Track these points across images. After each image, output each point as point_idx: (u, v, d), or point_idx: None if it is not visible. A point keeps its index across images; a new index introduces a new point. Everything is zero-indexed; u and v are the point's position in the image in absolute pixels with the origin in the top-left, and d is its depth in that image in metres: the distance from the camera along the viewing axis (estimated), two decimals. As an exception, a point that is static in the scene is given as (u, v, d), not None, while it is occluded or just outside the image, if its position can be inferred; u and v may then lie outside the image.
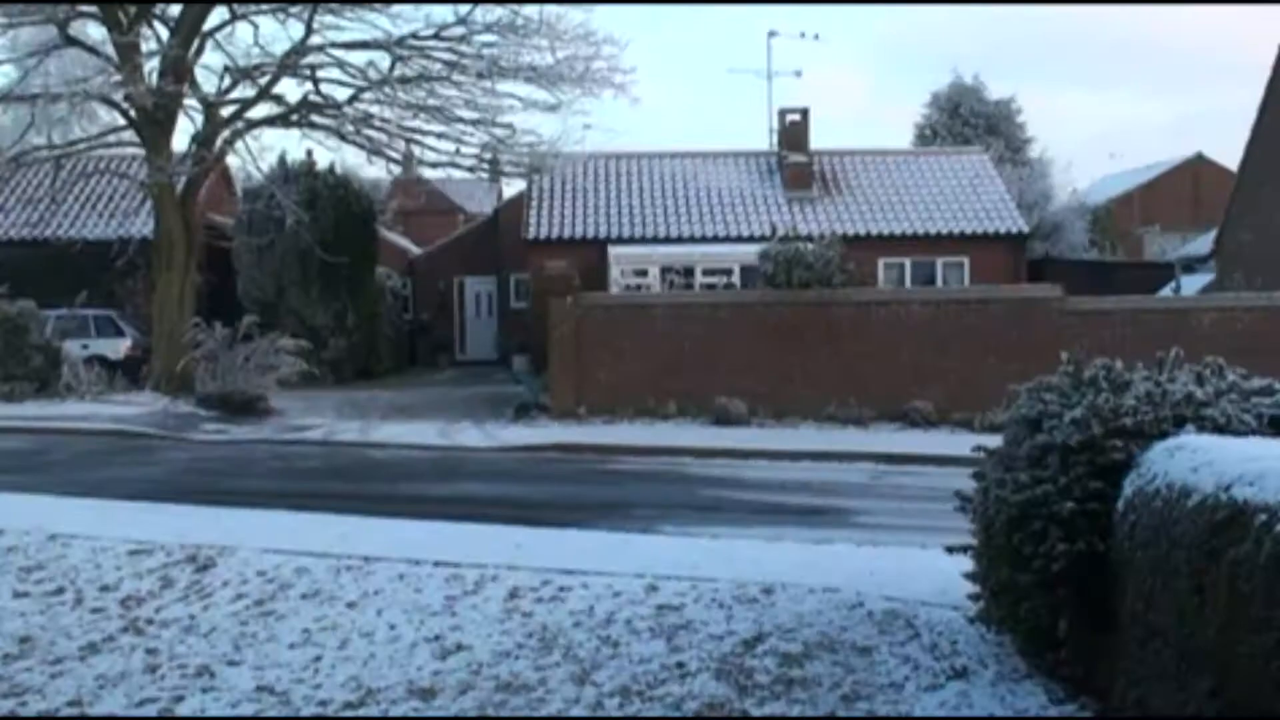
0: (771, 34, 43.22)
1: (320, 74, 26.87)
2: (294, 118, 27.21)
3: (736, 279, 28.53)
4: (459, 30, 26.13)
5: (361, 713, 6.00)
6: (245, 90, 27.03)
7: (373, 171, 37.56)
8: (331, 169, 32.08)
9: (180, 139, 27.99)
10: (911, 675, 6.30)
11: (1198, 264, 36.62)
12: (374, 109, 27.24)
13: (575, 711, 5.92)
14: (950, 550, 7.12)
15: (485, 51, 26.19)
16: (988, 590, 6.63)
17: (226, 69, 26.60)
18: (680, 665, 6.54)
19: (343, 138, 27.33)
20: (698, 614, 7.52)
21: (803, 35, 54.75)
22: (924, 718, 5.75)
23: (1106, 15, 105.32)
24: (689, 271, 29.14)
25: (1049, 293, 22.43)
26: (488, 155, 28.38)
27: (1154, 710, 4.90)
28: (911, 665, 6.45)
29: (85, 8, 25.98)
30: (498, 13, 25.94)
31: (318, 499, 13.37)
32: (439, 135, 27.47)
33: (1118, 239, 45.34)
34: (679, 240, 30.82)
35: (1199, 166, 49.75)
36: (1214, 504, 4.40)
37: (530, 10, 25.81)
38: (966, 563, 6.97)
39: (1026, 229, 32.72)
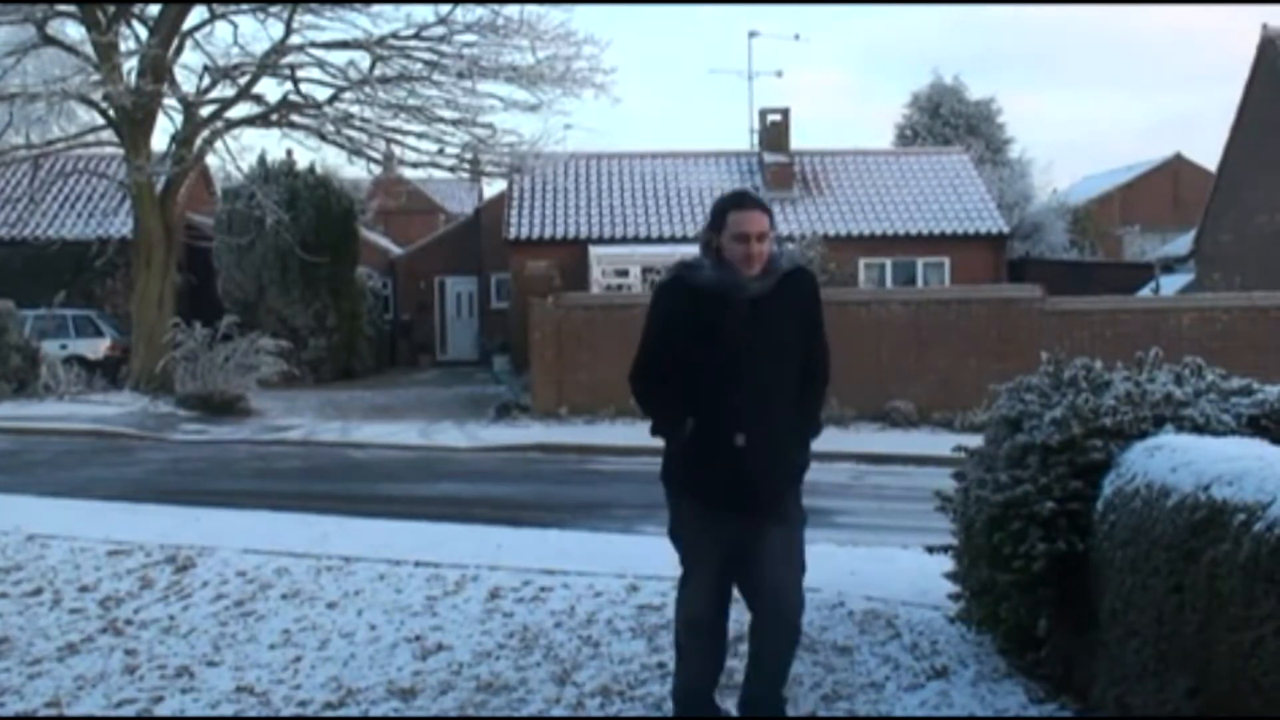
0: (752, 34, 43.30)
1: (300, 73, 26.86)
2: (274, 117, 27.18)
3: (717, 279, 28.51)
4: (439, 30, 26.12)
5: (342, 713, 5.98)
6: (225, 90, 27.01)
7: (353, 171, 37.61)
8: (312, 169, 32.05)
9: (159, 138, 28.10)
10: (892, 675, 6.31)
11: (1177, 264, 36.78)
12: (354, 109, 27.27)
13: (556, 711, 5.92)
14: (931, 550, 7.14)
15: (466, 51, 26.19)
16: (968, 590, 6.65)
17: (206, 68, 26.56)
18: (661, 665, 6.54)
19: (323, 137, 27.30)
20: (679, 614, 7.52)
21: (799, 37, 54.76)
22: (904, 717, 5.76)
23: (1087, 16, 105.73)
24: (670, 271, 29.11)
25: (1029, 293, 22.49)
26: (468, 155, 28.39)
27: (1133, 709, 4.92)
28: (892, 665, 6.46)
29: (63, 7, 25.91)
30: (478, 12, 25.97)
31: (298, 499, 13.34)
32: (419, 135, 27.51)
33: (1097, 239, 45.50)
34: (660, 240, 30.83)
35: (1178, 167, 49.95)
36: (1193, 504, 4.42)
37: (511, 10, 25.85)
38: (947, 563, 6.98)
39: (1007, 229, 32.84)
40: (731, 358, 5.14)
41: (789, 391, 5.26)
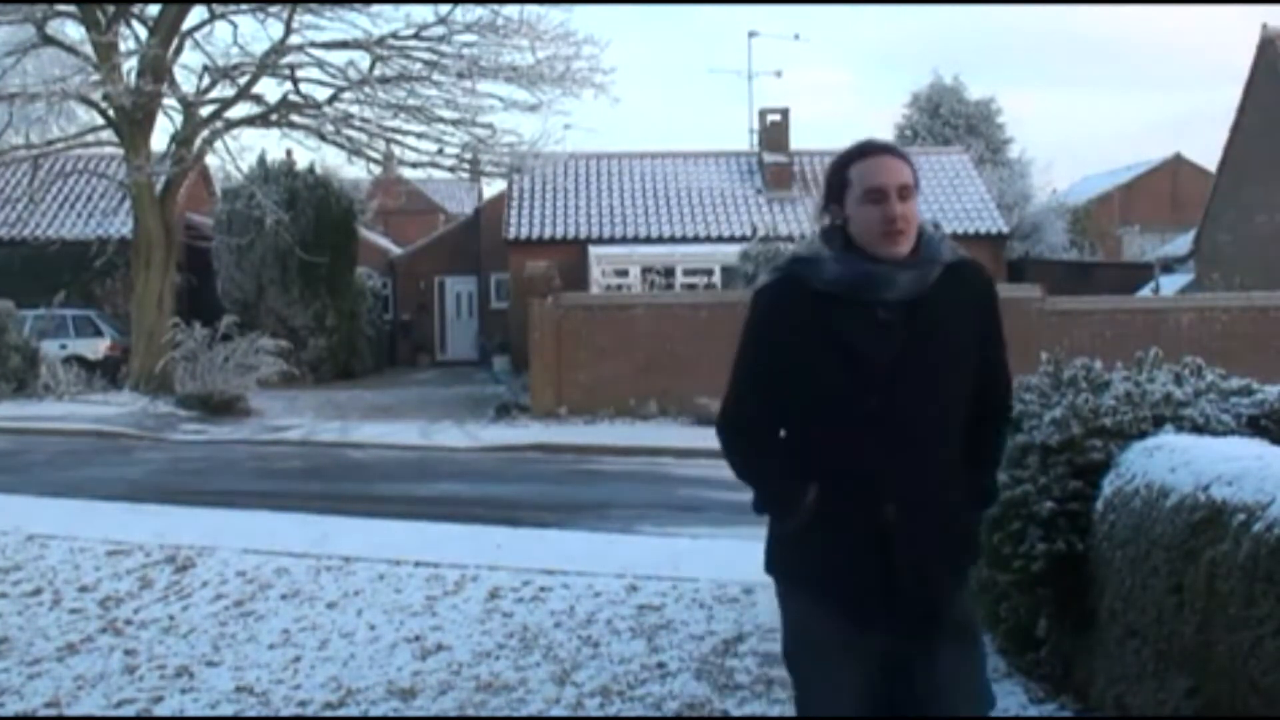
0: (752, 34, 43.35)
1: (300, 73, 26.88)
2: (273, 117, 27.19)
3: (717, 279, 28.57)
4: (439, 30, 26.13)
5: (341, 713, 5.98)
6: (224, 90, 27.02)
7: (353, 171, 37.60)
8: (311, 169, 32.03)
9: (159, 138, 28.05)
10: (892, 675, 6.30)
11: (1177, 264, 36.80)
12: (354, 109, 27.28)
13: (555, 711, 5.92)
14: (930, 550, 7.10)
15: (465, 51, 26.20)
16: (967, 590, 6.63)
17: (205, 68, 26.58)
18: (661, 665, 6.54)
19: (322, 137, 27.31)
20: (678, 614, 7.53)
21: (799, 37, 54.81)
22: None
23: (1087, 16, 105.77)
24: (670, 272, 29.18)
25: (1029, 293, 22.47)
26: (468, 155, 28.40)
27: (1132, 709, 4.92)
28: (891, 665, 6.45)
29: (63, 7, 25.92)
30: (478, 12, 25.98)
31: (297, 499, 13.34)
32: (419, 135, 27.52)
33: (1097, 239, 45.51)
34: (660, 240, 30.87)
35: (1177, 167, 49.96)
36: (1192, 504, 4.42)
37: (510, 10, 25.87)
38: (947, 562, 6.96)
39: (1006, 229, 32.84)
40: (874, 390, 3.42)
41: (956, 440, 3.57)
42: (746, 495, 3.69)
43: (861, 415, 3.42)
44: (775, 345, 3.52)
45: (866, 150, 3.53)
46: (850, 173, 3.49)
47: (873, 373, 3.41)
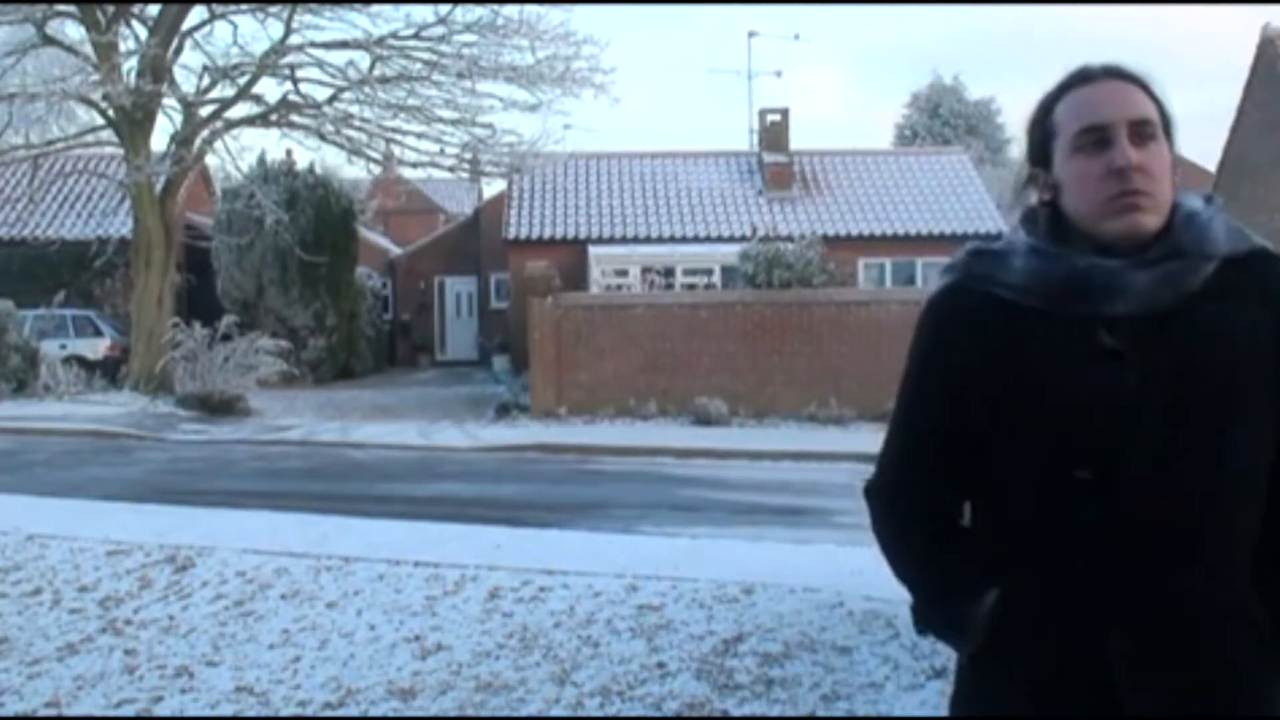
0: (752, 34, 43.35)
1: (300, 73, 26.88)
2: (273, 117, 27.19)
3: (717, 279, 28.57)
4: (439, 30, 26.13)
5: (341, 713, 5.99)
6: (224, 90, 27.02)
7: (353, 171, 37.61)
8: (311, 169, 32.01)
9: (159, 138, 28.05)
10: (892, 675, 6.31)
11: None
12: (354, 109, 27.28)
13: (555, 711, 5.92)
14: (931, 550, 7.06)
15: (465, 51, 26.21)
16: (967, 590, 6.59)
17: (205, 68, 26.57)
18: (660, 665, 6.54)
19: (322, 137, 27.31)
20: (678, 614, 7.52)
21: (799, 37, 54.86)
22: (904, 717, 5.76)
23: (1087, 17, 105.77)
24: (669, 272, 29.18)
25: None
26: (468, 155, 28.40)
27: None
28: (892, 665, 6.46)
29: (63, 7, 25.89)
30: (478, 12, 25.97)
31: (297, 499, 13.33)
32: (419, 135, 27.52)
33: (1096, 239, 45.51)
34: (659, 240, 30.86)
35: (1177, 167, 50.01)
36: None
37: (510, 10, 25.86)
38: (947, 562, 6.95)
39: (1006, 229, 32.70)
40: (1086, 456, 2.15)
41: (1235, 541, 2.20)
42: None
43: (1067, 492, 2.16)
44: (948, 380, 2.32)
45: (1080, 77, 2.30)
46: (1057, 114, 2.30)
47: (1086, 428, 2.15)
